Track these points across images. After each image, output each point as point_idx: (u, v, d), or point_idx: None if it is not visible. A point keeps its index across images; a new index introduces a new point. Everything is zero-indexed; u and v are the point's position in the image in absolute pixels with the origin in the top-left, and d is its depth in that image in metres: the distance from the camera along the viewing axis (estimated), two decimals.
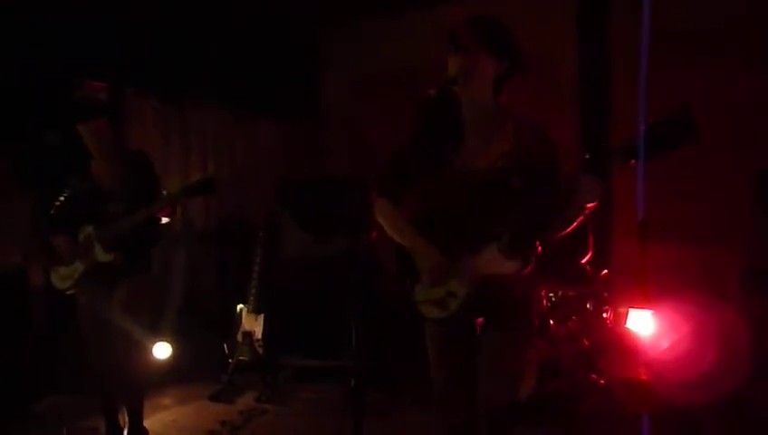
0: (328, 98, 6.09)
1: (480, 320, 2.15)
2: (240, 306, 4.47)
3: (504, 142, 2.09)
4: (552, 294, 4.02)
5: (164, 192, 3.14)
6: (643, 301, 4.19)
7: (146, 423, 3.39)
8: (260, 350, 4.37)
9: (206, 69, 4.87)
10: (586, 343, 3.98)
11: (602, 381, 3.89)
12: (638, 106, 3.65)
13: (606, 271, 4.20)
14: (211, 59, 4.92)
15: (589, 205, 1.94)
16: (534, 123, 2.12)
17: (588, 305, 4.05)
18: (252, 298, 4.42)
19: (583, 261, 4.02)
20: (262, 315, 4.41)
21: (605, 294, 4.11)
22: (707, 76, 4.25)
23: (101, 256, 3.07)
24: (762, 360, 3.61)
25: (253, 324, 4.41)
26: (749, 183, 3.96)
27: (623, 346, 4.22)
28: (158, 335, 4.40)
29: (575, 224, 2.03)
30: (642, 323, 4.16)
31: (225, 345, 4.46)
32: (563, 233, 2.06)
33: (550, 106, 4.43)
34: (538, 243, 2.05)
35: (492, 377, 2.11)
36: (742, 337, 3.67)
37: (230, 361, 4.40)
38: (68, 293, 3.17)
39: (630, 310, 4.23)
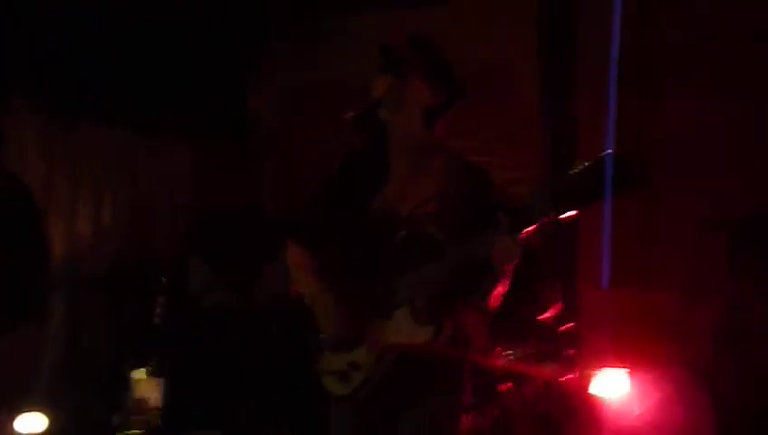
0: (256, 114, 5.35)
1: (393, 398, 1.89)
2: (135, 368, 3.98)
3: (431, 183, 1.93)
4: (505, 354, 3.65)
5: None
6: (613, 359, 3.80)
7: None
8: (157, 421, 3.92)
9: (102, 80, 4.17)
10: (544, 411, 3.66)
11: None
12: (606, 128, 3.37)
13: (569, 325, 3.83)
14: (109, 67, 4.21)
15: (505, 266, 1.80)
16: (471, 163, 1.98)
17: (547, 367, 3.70)
18: (150, 359, 3.98)
19: (546, 315, 3.72)
20: (162, 380, 3.98)
21: (569, 352, 3.76)
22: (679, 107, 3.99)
23: None
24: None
25: (150, 390, 3.97)
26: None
27: (588, 414, 3.81)
28: (29, 403, 3.66)
29: (496, 287, 1.86)
30: (612, 386, 3.73)
31: (113, 416, 3.94)
32: (485, 297, 1.87)
33: (508, 122, 4.26)
34: (462, 307, 1.87)
35: None
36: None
37: None
38: None
39: (598, 371, 3.81)
